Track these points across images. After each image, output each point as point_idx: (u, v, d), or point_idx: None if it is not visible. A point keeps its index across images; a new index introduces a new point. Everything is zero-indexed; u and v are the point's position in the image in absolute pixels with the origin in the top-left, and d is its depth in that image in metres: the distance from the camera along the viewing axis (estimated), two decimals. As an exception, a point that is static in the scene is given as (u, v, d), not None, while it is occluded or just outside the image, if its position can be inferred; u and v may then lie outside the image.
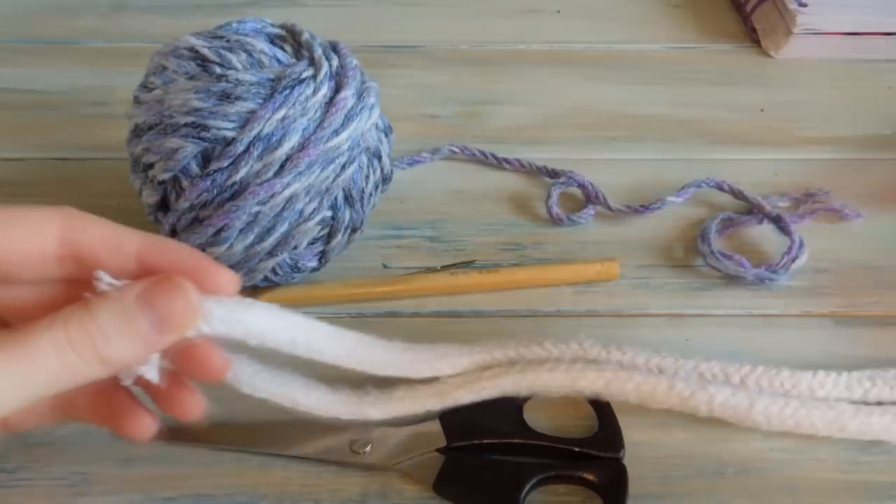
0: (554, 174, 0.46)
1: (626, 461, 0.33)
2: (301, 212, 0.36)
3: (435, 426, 0.34)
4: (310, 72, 0.36)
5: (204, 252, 0.36)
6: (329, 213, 0.37)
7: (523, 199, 0.46)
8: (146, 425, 0.30)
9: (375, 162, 0.39)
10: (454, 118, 0.51)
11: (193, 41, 0.37)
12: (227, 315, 0.27)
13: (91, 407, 0.29)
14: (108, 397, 0.29)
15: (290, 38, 0.39)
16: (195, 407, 0.29)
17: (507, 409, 0.35)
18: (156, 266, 0.27)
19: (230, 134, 0.35)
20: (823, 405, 0.34)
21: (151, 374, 0.27)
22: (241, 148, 0.34)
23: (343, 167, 0.36)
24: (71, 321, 0.25)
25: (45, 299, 0.28)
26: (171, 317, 0.26)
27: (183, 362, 0.28)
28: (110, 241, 0.27)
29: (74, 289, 0.28)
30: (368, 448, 0.34)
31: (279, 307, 0.29)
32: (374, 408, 0.32)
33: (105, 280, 0.27)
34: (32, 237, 0.27)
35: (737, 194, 0.45)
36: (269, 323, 0.28)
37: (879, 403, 0.35)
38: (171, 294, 0.26)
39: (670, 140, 0.50)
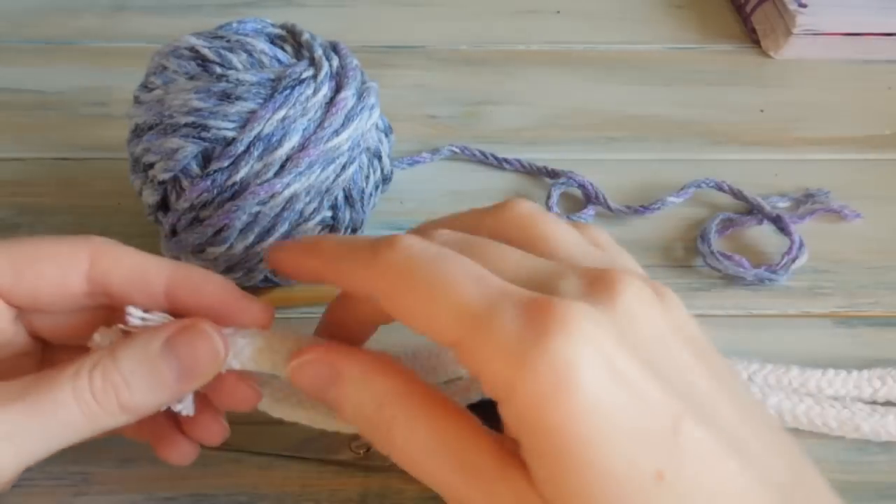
0: (554, 174, 0.46)
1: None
2: (301, 212, 0.36)
3: (435, 426, 0.34)
4: (310, 72, 0.36)
5: (204, 252, 0.36)
6: (329, 214, 0.37)
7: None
8: (187, 452, 0.30)
9: (376, 162, 0.39)
10: (454, 118, 0.51)
11: (194, 41, 0.37)
12: (256, 353, 0.27)
13: (134, 428, 0.29)
14: (153, 419, 0.29)
15: (291, 39, 0.39)
16: (218, 433, 0.30)
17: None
18: (185, 300, 0.28)
19: (230, 134, 0.35)
20: (838, 404, 0.34)
21: (187, 410, 0.27)
22: (241, 148, 0.34)
23: (343, 167, 0.36)
24: (95, 371, 0.25)
25: (80, 323, 0.29)
26: (195, 366, 0.26)
27: (211, 392, 0.28)
28: (138, 276, 0.27)
29: (109, 312, 0.29)
30: (368, 448, 0.34)
31: (311, 337, 0.28)
32: None
33: (136, 315, 0.26)
34: (60, 277, 0.27)
35: (737, 194, 0.45)
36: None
37: (888, 403, 0.35)
38: (196, 342, 0.26)
39: (670, 140, 0.50)
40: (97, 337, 0.27)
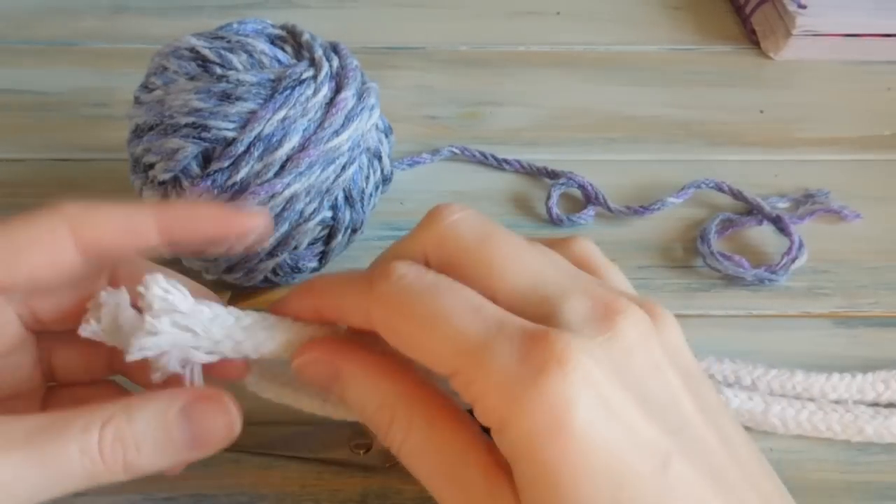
0: (554, 175, 0.46)
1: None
2: (301, 212, 0.36)
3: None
4: (310, 72, 0.36)
5: (205, 252, 0.36)
6: (329, 214, 0.37)
7: (523, 200, 0.46)
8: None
9: (376, 162, 0.39)
10: (454, 119, 0.51)
11: (194, 42, 0.37)
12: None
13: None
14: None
15: (291, 39, 0.39)
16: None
17: None
18: (181, 237, 0.27)
19: (231, 134, 0.35)
20: (840, 408, 0.34)
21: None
22: (241, 148, 0.34)
23: (343, 168, 0.36)
24: (107, 429, 0.24)
25: (82, 302, 0.27)
26: (210, 437, 0.26)
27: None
28: (127, 233, 0.27)
29: (114, 272, 0.28)
30: (369, 448, 0.34)
31: (322, 328, 0.28)
32: None
33: (160, 287, 0.25)
34: (50, 258, 0.26)
35: (736, 195, 0.45)
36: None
37: (890, 405, 0.35)
38: (215, 414, 0.26)
39: (670, 141, 0.50)
40: (104, 295, 0.26)
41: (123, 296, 0.26)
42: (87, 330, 0.26)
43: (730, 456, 0.24)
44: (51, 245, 0.26)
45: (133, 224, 0.27)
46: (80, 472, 0.24)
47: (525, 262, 0.26)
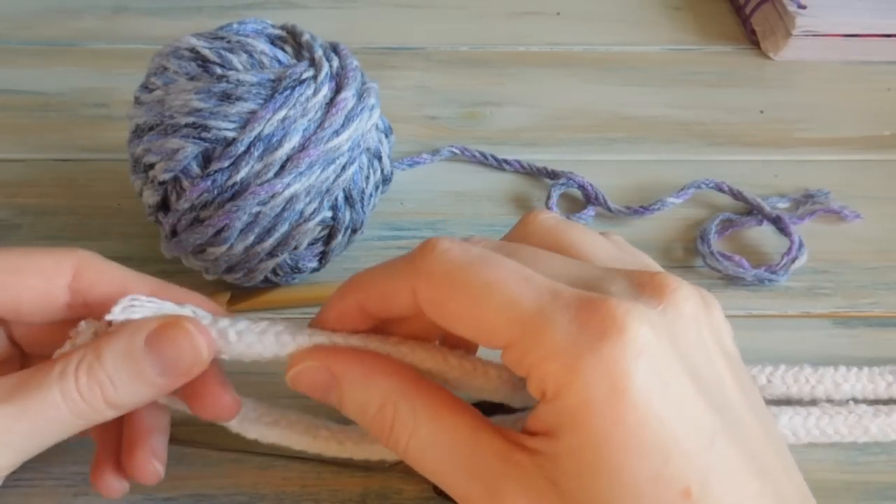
0: (554, 175, 0.46)
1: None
2: (301, 212, 0.36)
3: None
4: (310, 73, 0.36)
5: (205, 252, 0.36)
6: (329, 214, 0.37)
7: (523, 200, 0.46)
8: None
9: (376, 163, 0.39)
10: (454, 119, 0.51)
11: (194, 42, 0.37)
12: (240, 338, 0.27)
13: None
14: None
15: (291, 39, 0.39)
16: (231, 407, 0.29)
17: (507, 409, 0.34)
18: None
19: (231, 134, 0.35)
20: (844, 410, 0.34)
21: (175, 404, 0.28)
22: (241, 148, 0.34)
23: (343, 168, 0.36)
24: (80, 369, 0.25)
25: (57, 334, 0.29)
26: (178, 362, 0.26)
27: (192, 399, 0.28)
28: (120, 289, 0.28)
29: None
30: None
31: (289, 325, 0.28)
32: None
33: (120, 304, 0.27)
34: (44, 288, 0.27)
35: (736, 195, 0.45)
36: (281, 340, 0.28)
37: (890, 401, 0.35)
38: (178, 340, 0.26)
39: (670, 141, 0.50)
40: (83, 324, 0.27)
41: (101, 325, 0.27)
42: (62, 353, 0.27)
43: (766, 441, 0.23)
44: (51, 273, 0.27)
45: (128, 288, 0.28)
46: (66, 414, 0.25)
47: (584, 249, 0.26)
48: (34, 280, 0.27)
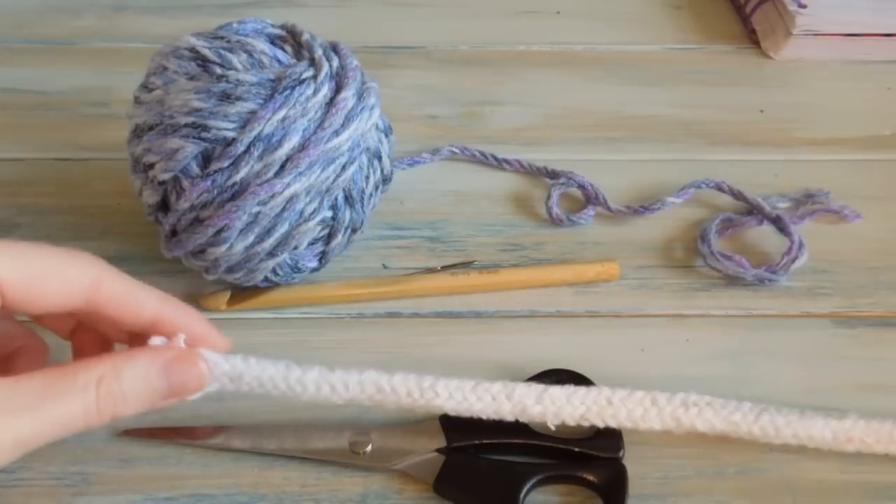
0: (554, 175, 0.46)
1: (626, 461, 0.33)
2: (301, 212, 0.36)
3: (435, 426, 0.34)
4: (310, 72, 0.36)
5: (205, 252, 0.36)
6: (329, 214, 0.37)
7: (523, 199, 0.46)
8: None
9: (376, 162, 0.39)
10: (454, 119, 0.51)
11: (194, 41, 0.37)
12: (231, 370, 0.31)
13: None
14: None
15: (291, 39, 0.39)
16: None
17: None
18: (166, 328, 0.31)
19: (230, 134, 0.35)
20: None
21: None
22: (241, 148, 0.34)
23: (343, 167, 0.36)
24: (102, 386, 0.28)
25: (55, 321, 0.33)
26: (184, 389, 0.30)
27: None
28: (133, 307, 0.30)
29: (85, 316, 0.31)
30: (368, 448, 0.34)
31: (273, 361, 0.32)
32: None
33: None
34: (64, 296, 0.29)
35: (736, 195, 0.45)
36: (266, 373, 0.31)
37: None
38: (189, 370, 0.30)
39: (670, 141, 0.50)
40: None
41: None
42: None
43: None
44: (74, 283, 0.29)
45: (138, 305, 0.30)
46: (80, 422, 0.27)
47: None
48: (58, 286, 0.29)
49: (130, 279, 0.31)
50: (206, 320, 0.32)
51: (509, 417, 0.32)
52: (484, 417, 0.32)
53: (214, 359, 0.31)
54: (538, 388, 0.32)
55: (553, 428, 0.33)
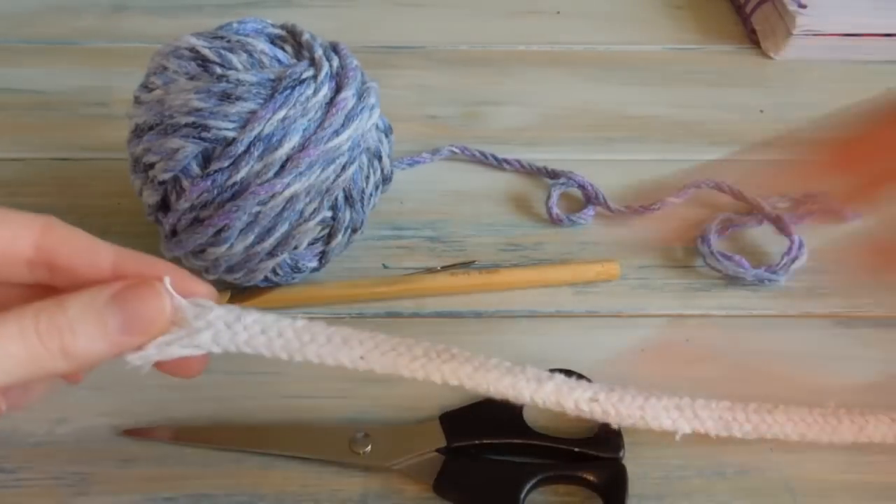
0: (554, 175, 0.46)
1: (626, 461, 0.33)
2: (301, 212, 0.36)
3: (435, 426, 0.34)
4: (310, 72, 0.36)
5: (205, 252, 0.36)
6: (329, 214, 0.37)
7: (523, 199, 0.46)
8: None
9: (376, 162, 0.39)
10: (454, 119, 0.51)
11: (194, 41, 0.37)
12: (226, 314, 0.27)
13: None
14: None
15: (291, 39, 0.39)
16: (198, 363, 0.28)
17: (507, 409, 0.34)
18: (133, 276, 0.27)
19: (231, 134, 0.35)
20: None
21: (145, 366, 0.27)
22: (241, 148, 0.34)
23: (343, 167, 0.36)
24: (42, 313, 0.25)
25: (13, 301, 0.27)
26: (140, 319, 0.26)
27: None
28: (86, 252, 0.27)
29: (40, 294, 0.28)
30: (368, 448, 0.34)
31: (266, 314, 0.29)
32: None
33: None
34: (9, 240, 0.27)
35: (736, 195, 0.45)
36: (260, 328, 0.28)
37: None
38: (145, 297, 0.26)
39: (670, 141, 0.50)
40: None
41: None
42: None
43: None
44: (19, 227, 0.27)
45: (94, 253, 0.27)
46: (22, 354, 0.24)
47: None
48: (1, 230, 0.27)
49: (84, 232, 0.28)
50: (181, 269, 0.28)
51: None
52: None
53: (204, 305, 0.27)
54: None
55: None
